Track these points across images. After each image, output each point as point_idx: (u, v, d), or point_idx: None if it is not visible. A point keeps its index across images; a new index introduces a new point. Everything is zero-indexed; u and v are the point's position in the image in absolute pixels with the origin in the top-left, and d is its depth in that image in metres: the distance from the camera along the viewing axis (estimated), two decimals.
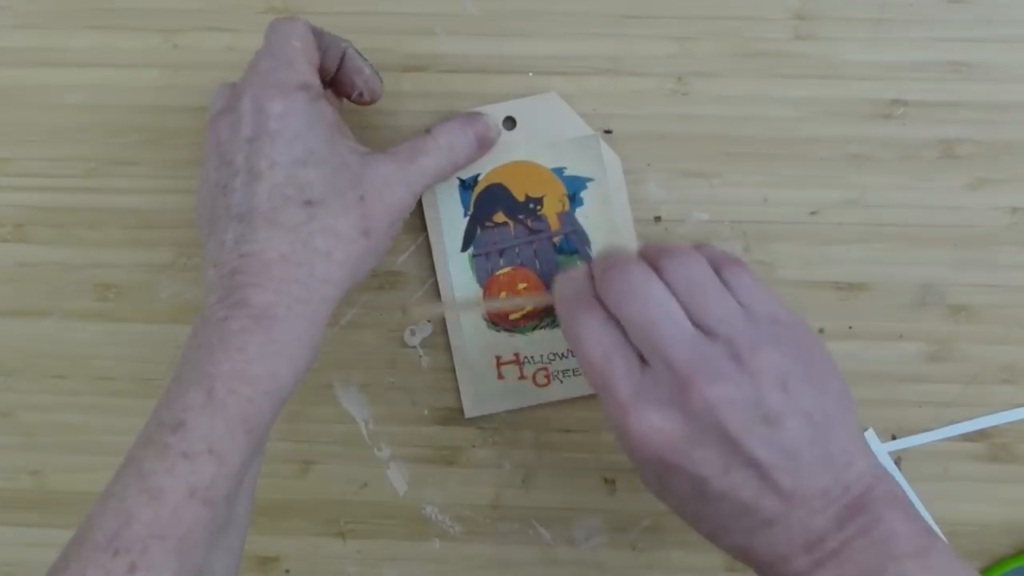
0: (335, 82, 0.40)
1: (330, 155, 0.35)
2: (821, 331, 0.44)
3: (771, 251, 0.44)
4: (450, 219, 0.44)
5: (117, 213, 0.45)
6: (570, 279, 0.37)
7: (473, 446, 0.45)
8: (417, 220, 0.44)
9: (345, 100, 0.41)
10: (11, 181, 0.45)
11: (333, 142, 0.36)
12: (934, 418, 0.44)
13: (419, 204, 0.44)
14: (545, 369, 0.44)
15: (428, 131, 0.39)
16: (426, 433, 0.45)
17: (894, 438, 0.44)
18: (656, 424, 0.32)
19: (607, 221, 0.43)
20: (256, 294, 0.33)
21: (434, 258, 0.44)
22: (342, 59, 0.39)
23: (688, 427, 0.32)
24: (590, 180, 0.44)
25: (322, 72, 0.39)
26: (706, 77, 0.44)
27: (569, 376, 0.44)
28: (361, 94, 0.40)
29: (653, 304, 0.33)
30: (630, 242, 0.43)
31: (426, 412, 0.45)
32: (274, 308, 0.33)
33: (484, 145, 0.41)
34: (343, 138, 0.37)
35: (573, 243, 0.44)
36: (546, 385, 0.44)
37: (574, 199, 0.44)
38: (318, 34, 0.38)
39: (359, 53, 0.40)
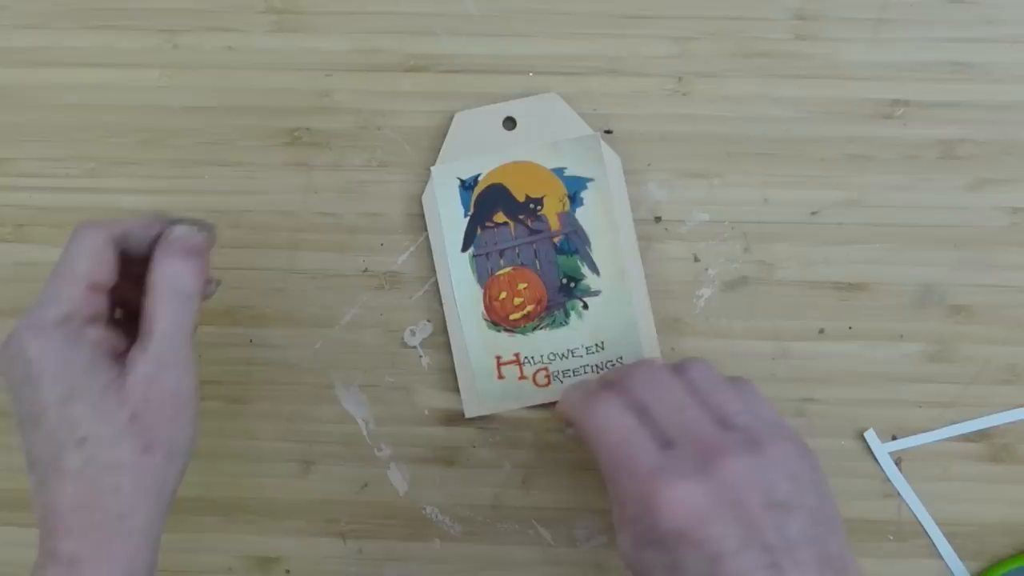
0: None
1: (93, 383, 0.34)
2: (821, 331, 0.44)
3: (771, 251, 0.44)
4: (450, 219, 0.44)
5: (117, 213, 0.45)
6: (576, 386, 0.39)
7: (473, 446, 0.45)
8: (417, 220, 0.44)
9: None
10: (11, 181, 0.45)
11: (96, 367, 0.34)
12: (934, 418, 0.44)
13: (419, 205, 0.44)
14: (545, 369, 0.44)
15: (144, 287, 0.35)
16: (426, 433, 0.45)
17: (894, 438, 0.44)
18: (681, 494, 0.33)
19: (607, 221, 0.43)
20: (61, 544, 0.33)
21: (434, 258, 0.44)
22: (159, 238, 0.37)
23: (710, 499, 0.33)
24: (590, 180, 0.44)
25: (138, 252, 0.37)
26: (706, 77, 0.44)
27: (569, 376, 0.44)
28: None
29: (679, 392, 0.37)
30: (630, 242, 0.43)
31: (426, 412, 0.45)
32: (81, 556, 0.33)
33: (198, 253, 0.36)
34: (107, 358, 0.35)
35: (573, 243, 0.44)
36: (546, 385, 0.44)
37: (574, 199, 0.44)
38: (122, 239, 0.36)
39: (181, 221, 0.36)
